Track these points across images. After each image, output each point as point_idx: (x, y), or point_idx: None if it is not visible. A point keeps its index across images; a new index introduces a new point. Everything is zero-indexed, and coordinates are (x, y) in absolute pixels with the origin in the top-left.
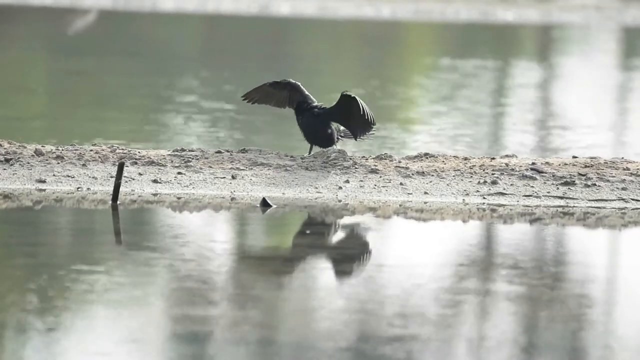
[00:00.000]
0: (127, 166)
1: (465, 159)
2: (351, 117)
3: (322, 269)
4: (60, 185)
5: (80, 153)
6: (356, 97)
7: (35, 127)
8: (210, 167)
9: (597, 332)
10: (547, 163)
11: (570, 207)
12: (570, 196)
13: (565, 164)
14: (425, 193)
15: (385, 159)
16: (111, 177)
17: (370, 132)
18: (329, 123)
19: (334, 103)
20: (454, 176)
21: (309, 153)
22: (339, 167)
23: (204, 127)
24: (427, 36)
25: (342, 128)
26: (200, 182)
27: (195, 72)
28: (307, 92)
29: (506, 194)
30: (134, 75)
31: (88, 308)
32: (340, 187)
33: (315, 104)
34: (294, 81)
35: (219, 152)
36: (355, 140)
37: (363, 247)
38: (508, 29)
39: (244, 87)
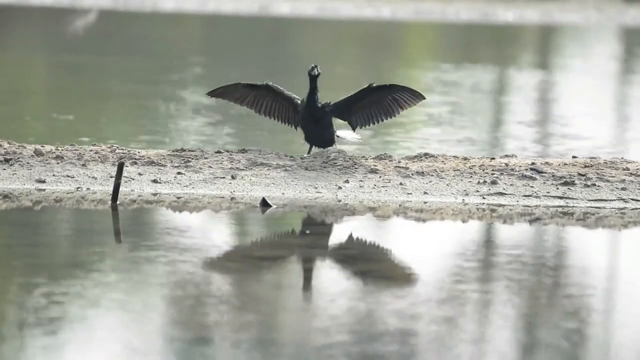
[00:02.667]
0: (126, 166)
1: (465, 159)
2: (366, 105)
3: (321, 269)
4: (60, 185)
5: (80, 153)
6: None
7: (35, 127)
8: (210, 167)
9: (597, 331)
10: (546, 163)
11: (570, 207)
12: (570, 196)
13: (565, 164)
14: (425, 193)
15: (385, 159)
16: (111, 177)
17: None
18: (332, 123)
19: (350, 95)
20: (453, 176)
21: (309, 153)
22: (338, 167)
23: (203, 127)
24: (428, 37)
25: (338, 133)
26: (200, 182)
27: (195, 72)
28: (288, 93)
29: (506, 194)
30: (134, 75)
31: (88, 308)
32: (340, 187)
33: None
34: (272, 84)
35: (218, 152)
36: (354, 130)
37: (362, 247)
38: (508, 29)
39: None
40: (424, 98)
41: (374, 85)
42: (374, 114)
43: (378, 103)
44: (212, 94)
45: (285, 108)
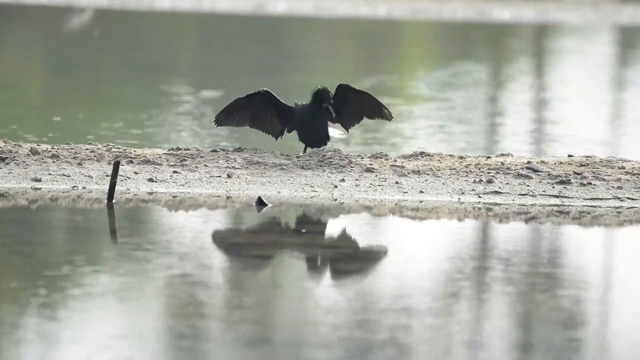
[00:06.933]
0: (122, 165)
1: (461, 157)
2: (346, 107)
3: (317, 268)
4: (56, 184)
5: (76, 152)
6: (355, 87)
7: (30, 125)
8: (206, 165)
9: (593, 330)
10: (542, 162)
11: (565, 205)
12: (566, 195)
13: (561, 163)
14: (421, 192)
15: (381, 157)
16: (107, 176)
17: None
18: (327, 123)
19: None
20: (449, 175)
21: (304, 152)
22: (334, 165)
23: (199, 125)
24: (424, 35)
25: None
26: (196, 180)
27: (191, 71)
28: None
29: (502, 192)
30: (130, 73)
31: (84, 307)
32: (336, 186)
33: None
34: (269, 91)
35: (214, 150)
36: (347, 131)
37: (359, 245)
38: (504, 28)
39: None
40: (391, 119)
41: (350, 87)
42: (356, 116)
43: (358, 108)
44: (219, 120)
45: (273, 118)
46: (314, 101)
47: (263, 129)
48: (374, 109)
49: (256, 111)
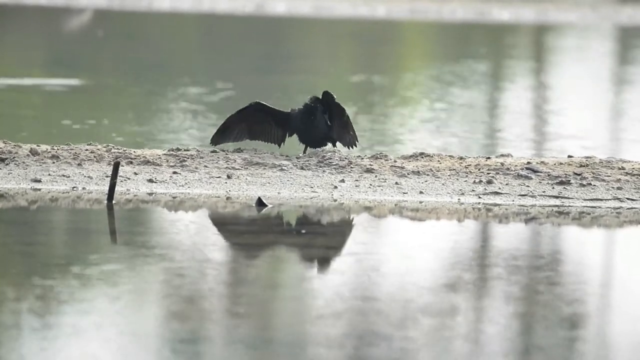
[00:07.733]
0: (122, 166)
1: (461, 158)
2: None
3: (317, 269)
4: (56, 185)
5: (76, 152)
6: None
7: (30, 126)
8: (206, 166)
9: (593, 330)
10: (542, 162)
11: (565, 206)
12: (566, 195)
13: (561, 164)
14: (421, 192)
15: (381, 158)
16: (106, 176)
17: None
18: (327, 125)
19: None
20: (449, 175)
21: (304, 152)
22: (334, 166)
23: (199, 126)
24: (423, 35)
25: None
26: (196, 181)
27: (190, 71)
28: (276, 108)
29: (501, 193)
30: (129, 74)
31: (84, 307)
32: (336, 187)
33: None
34: (260, 102)
35: (214, 151)
36: (335, 145)
37: (358, 246)
38: (504, 28)
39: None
40: (351, 147)
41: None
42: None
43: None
44: (215, 141)
45: (272, 127)
46: (308, 109)
47: (264, 139)
48: (342, 133)
49: (254, 124)
